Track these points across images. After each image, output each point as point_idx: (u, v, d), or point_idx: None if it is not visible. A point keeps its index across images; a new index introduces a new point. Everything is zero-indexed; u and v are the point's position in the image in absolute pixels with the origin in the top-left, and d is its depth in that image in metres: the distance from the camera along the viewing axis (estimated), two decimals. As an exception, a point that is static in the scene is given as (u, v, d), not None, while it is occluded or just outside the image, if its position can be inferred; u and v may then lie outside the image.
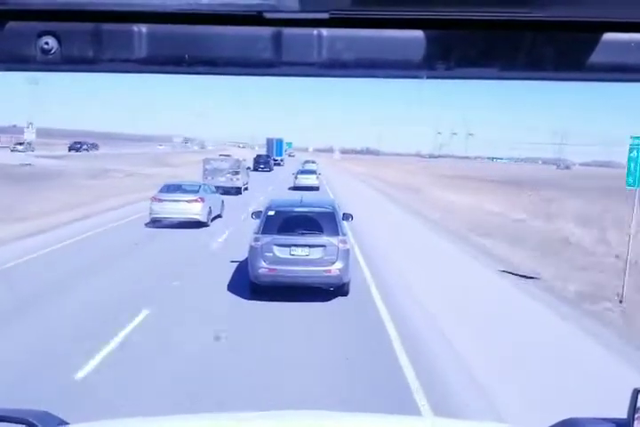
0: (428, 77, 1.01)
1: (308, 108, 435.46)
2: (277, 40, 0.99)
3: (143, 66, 1.00)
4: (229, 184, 27.54)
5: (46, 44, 0.98)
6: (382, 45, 0.99)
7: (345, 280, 10.82)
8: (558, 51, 0.98)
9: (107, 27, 0.98)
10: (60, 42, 0.98)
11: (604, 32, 0.96)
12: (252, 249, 10.79)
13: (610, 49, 0.97)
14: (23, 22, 0.97)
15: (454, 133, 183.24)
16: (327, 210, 11.31)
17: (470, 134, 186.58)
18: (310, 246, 10.62)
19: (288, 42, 0.99)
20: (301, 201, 11.97)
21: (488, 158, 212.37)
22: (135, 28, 0.98)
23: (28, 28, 0.97)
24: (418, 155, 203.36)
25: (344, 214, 12.66)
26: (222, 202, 21.83)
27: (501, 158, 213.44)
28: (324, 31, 0.98)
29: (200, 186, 20.96)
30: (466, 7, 0.92)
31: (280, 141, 73.48)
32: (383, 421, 2.31)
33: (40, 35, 0.98)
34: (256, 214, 12.15)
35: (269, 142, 73.06)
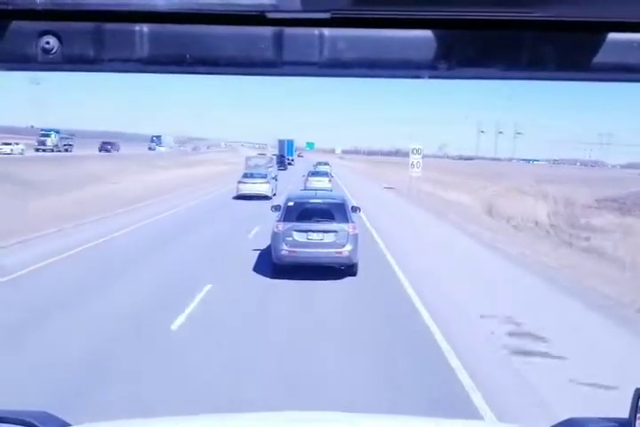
0: (429, 77, 1.01)
1: (331, 108, 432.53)
2: (279, 40, 0.98)
3: (145, 66, 1.00)
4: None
5: (47, 43, 0.98)
6: (384, 45, 0.98)
7: (354, 261, 12.39)
8: (561, 50, 0.97)
9: (108, 26, 0.98)
10: (61, 41, 0.98)
11: (606, 32, 0.95)
12: (274, 234, 12.44)
13: (612, 49, 0.96)
14: (24, 22, 0.97)
15: (500, 132, 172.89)
16: (338, 201, 13.34)
17: (519, 133, 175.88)
18: (324, 232, 12.28)
19: (290, 42, 0.98)
20: (316, 194, 14.45)
21: (523, 160, 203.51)
22: (137, 27, 0.98)
23: (30, 28, 0.97)
24: (446, 156, 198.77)
25: (352, 207, 14.51)
26: (276, 185, 32.96)
27: (538, 160, 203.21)
28: (326, 31, 0.98)
29: (267, 174, 32.67)
30: (467, 7, 0.91)
31: (291, 142, 79.98)
32: (388, 422, 2.29)
33: (41, 34, 0.98)
34: (275, 207, 13.96)
35: (281, 143, 78.82)
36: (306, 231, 12.21)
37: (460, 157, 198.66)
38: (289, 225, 12.23)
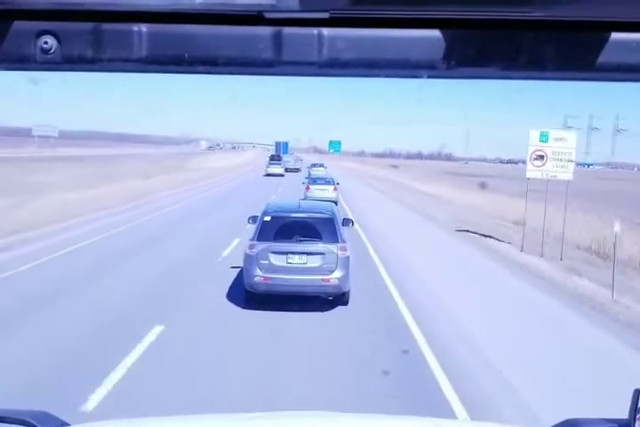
0: (428, 77, 1.01)
1: (360, 107, 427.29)
2: (278, 40, 0.99)
3: (143, 65, 1.00)
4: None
5: (46, 43, 0.98)
6: (382, 45, 0.99)
7: (345, 289, 10.22)
8: (560, 50, 0.97)
9: (106, 26, 0.98)
10: (59, 41, 0.98)
11: (606, 32, 0.96)
12: (246, 257, 10.21)
13: (613, 49, 0.96)
14: (23, 22, 0.97)
15: (595, 128, 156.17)
16: (326, 216, 10.70)
17: (620, 130, 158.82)
18: (308, 254, 10.07)
19: (288, 41, 0.99)
20: (299, 206, 11.61)
21: (579, 164, 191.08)
22: (135, 27, 0.98)
23: (28, 28, 0.98)
24: (485, 160, 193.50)
25: (344, 220, 12.09)
26: (285, 169, 58.18)
27: (592, 164, 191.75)
28: (325, 31, 0.99)
29: (282, 162, 60.15)
30: (466, 6, 0.92)
31: (285, 144, 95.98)
32: (384, 421, 2.27)
33: (39, 34, 0.98)
34: (252, 219, 11.33)
35: (277, 145, 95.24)
36: (285, 253, 9.99)
37: (500, 161, 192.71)
38: (264, 245, 9.97)
